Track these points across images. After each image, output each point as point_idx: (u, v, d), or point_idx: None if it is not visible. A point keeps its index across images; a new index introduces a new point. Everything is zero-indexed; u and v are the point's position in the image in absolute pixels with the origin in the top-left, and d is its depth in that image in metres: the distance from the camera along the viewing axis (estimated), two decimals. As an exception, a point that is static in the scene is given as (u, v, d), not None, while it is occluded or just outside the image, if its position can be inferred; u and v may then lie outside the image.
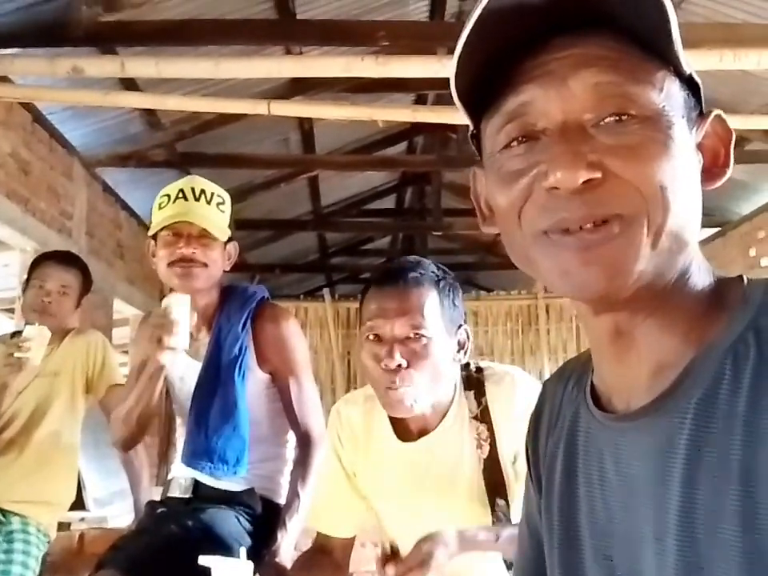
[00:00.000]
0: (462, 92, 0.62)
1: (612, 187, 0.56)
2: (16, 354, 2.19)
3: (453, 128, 5.87)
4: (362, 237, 9.00)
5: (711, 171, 0.62)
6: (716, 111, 0.63)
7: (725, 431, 0.54)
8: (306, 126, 5.42)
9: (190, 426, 1.85)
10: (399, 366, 1.32)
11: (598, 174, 0.55)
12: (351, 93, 4.46)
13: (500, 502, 1.40)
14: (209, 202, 1.81)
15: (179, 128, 4.83)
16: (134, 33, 3.34)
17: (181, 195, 1.80)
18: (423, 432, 1.45)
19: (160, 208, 1.82)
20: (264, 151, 5.54)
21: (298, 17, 4.07)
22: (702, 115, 0.63)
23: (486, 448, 1.41)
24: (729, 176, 0.63)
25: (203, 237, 1.79)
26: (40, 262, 2.53)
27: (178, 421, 1.99)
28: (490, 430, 1.42)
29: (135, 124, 4.68)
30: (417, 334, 1.33)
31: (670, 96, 0.58)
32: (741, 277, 0.62)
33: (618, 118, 0.57)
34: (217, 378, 1.84)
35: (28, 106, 3.80)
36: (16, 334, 2.41)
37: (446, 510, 1.43)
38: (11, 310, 2.38)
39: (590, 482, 0.67)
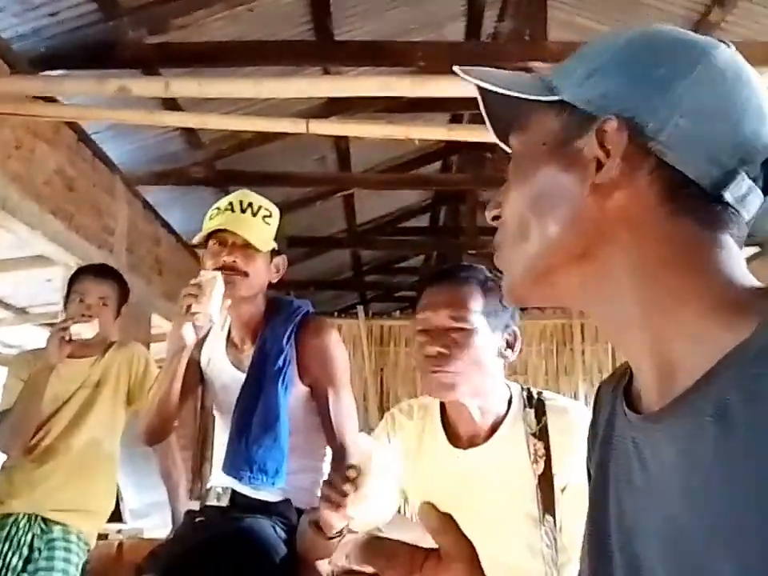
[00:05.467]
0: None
1: (502, 221, 0.71)
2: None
3: (488, 147, 5.89)
4: (396, 255, 9.03)
5: (603, 174, 0.63)
6: (605, 117, 0.63)
7: (747, 435, 0.53)
8: (342, 146, 5.49)
9: (231, 435, 1.87)
10: (439, 353, 1.42)
11: (496, 211, 0.72)
12: (387, 113, 4.52)
13: (548, 518, 1.43)
14: (254, 214, 1.87)
15: (218, 147, 4.92)
16: (178, 55, 3.45)
17: (229, 207, 1.87)
18: (474, 442, 1.49)
19: (210, 219, 1.89)
20: (301, 170, 5.61)
21: (336, 38, 4.15)
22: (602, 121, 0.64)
23: (542, 465, 1.44)
24: (612, 175, 0.63)
25: (246, 247, 1.84)
26: (77, 276, 2.61)
27: (218, 430, 2.02)
28: (547, 448, 1.44)
29: (175, 143, 4.78)
30: (457, 326, 1.43)
31: (535, 133, 0.69)
32: None
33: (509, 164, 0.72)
34: (259, 389, 1.86)
35: (74, 126, 3.91)
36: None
37: (497, 522, 1.45)
38: (54, 325, 2.47)
39: (618, 480, 0.68)
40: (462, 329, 1.43)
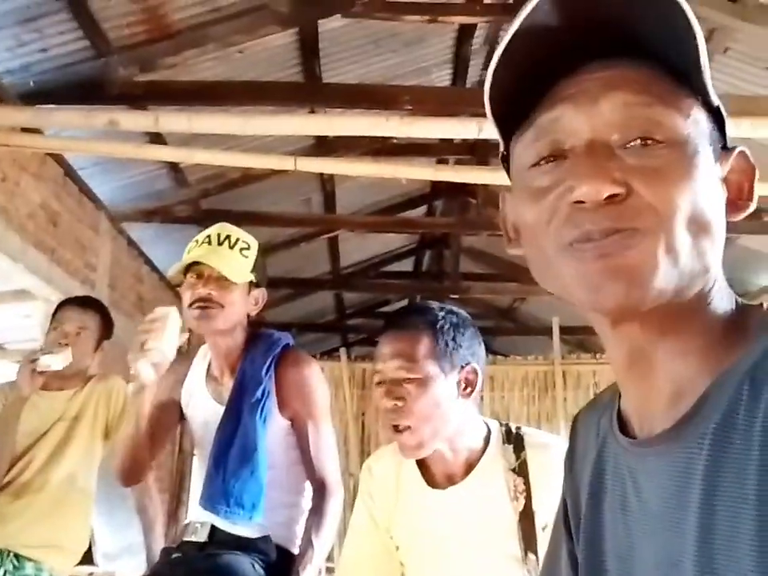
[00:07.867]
0: (496, 108, 0.64)
1: (634, 204, 0.57)
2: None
3: (472, 193, 5.96)
4: (380, 299, 9.04)
5: (735, 204, 0.64)
6: (740, 147, 0.64)
7: (741, 456, 0.54)
8: (328, 188, 5.53)
9: (208, 468, 1.84)
10: (395, 405, 1.39)
11: (622, 190, 0.56)
12: (373, 156, 4.57)
13: (531, 556, 1.40)
14: (231, 247, 1.88)
15: (204, 186, 4.95)
16: (168, 92, 3.49)
17: (207, 240, 1.88)
18: (452, 480, 1.47)
19: (188, 252, 1.89)
20: (286, 211, 5.64)
21: (324, 81, 4.21)
22: (726, 149, 0.64)
23: (522, 501, 1.41)
24: (751, 209, 0.65)
25: (221, 279, 1.83)
26: (60, 306, 2.58)
27: (196, 466, 1.98)
28: (527, 484, 1.42)
29: (161, 181, 4.80)
30: (408, 377, 1.39)
31: (697, 124, 0.60)
32: (761, 304, 0.63)
33: (644, 141, 0.58)
34: (237, 421, 1.84)
35: (60, 161, 3.92)
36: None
37: (479, 562, 1.42)
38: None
39: (613, 508, 0.67)
40: (413, 379, 1.40)
